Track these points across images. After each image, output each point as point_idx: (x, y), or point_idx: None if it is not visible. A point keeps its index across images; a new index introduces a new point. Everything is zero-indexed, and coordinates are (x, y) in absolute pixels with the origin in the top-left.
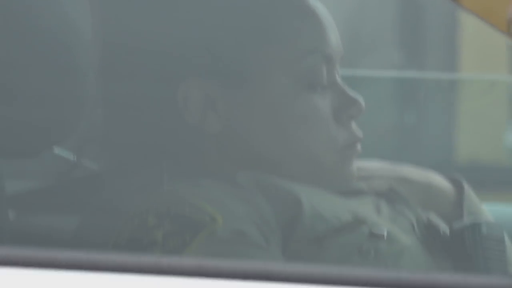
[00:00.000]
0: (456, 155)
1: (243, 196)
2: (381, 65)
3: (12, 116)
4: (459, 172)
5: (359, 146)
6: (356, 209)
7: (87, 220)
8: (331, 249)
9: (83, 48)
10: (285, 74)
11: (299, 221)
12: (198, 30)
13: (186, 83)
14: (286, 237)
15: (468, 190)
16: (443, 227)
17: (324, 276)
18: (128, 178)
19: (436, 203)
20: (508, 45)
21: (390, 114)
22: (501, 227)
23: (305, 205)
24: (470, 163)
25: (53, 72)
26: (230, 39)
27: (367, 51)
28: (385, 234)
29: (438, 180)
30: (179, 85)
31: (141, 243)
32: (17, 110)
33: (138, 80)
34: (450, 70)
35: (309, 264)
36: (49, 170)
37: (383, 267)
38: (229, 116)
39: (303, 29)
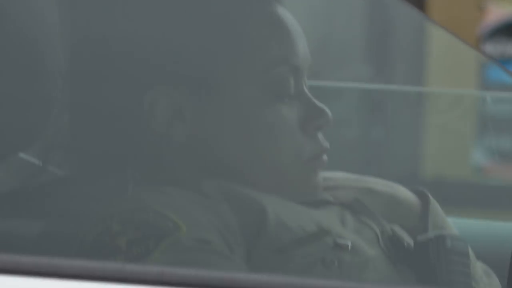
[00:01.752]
0: (422, 170)
1: (207, 204)
2: (348, 77)
3: None
4: (425, 187)
5: (325, 157)
6: (321, 220)
7: (50, 226)
8: (295, 259)
9: (50, 51)
10: (252, 84)
11: (263, 231)
12: (167, 38)
13: (153, 90)
14: (250, 246)
15: (433, 203)
16: (408, 240)
17: (288, 287)
18: (93, 184)
19: (401, 215)
20: (477, 60)
21: (356, 126)
22: (465, 241)
23: (270, 214)
24: (436, 179)
25: (19, 76)
26: (198, 48)
27: (335, 63)
28: (350, 245)
29: (403, 192)
30: (146, 92)
31: (104, 249)
32: None
33: (105, 86)
34: (417, 84)
35: (273, 274)
36: (13, 174)
37: (346, 279)
38: (196, 124)
39: (271, 39)
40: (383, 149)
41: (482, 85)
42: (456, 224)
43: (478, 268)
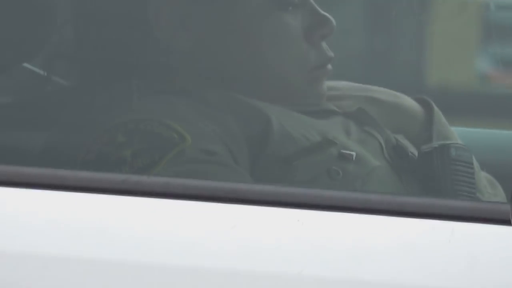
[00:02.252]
0: (426, 78)
1: (212, 115)
2: None
3: None
4: (429, 96)
5: (329, 66)
6: (325, 130)
7: (56, 136)
8: (300, 170)
9: None
10: None
11: (268, 140)
12: None
13: None
14: (255, 156)
15: (437, 112)
16: (412, 149)
17: (292, 198)
18: (98, 94)
19: (405, 124)
20: None
21: (360, 35)
22: (469, 151)
23: (274, 124)
24: (440, 88)
25: None
26: None
27: None
28: (354, 155)
29: (408, 101)
30: (150, 1)
31: (109, 161)
32: None
33: None
34: None
35: (277, 185)
36: (18, 85)
37: (351, 189)
38: (200, 33)
39: None
40: (387, 58)
41: None
42: (460, 133)
43: (482, 177)
